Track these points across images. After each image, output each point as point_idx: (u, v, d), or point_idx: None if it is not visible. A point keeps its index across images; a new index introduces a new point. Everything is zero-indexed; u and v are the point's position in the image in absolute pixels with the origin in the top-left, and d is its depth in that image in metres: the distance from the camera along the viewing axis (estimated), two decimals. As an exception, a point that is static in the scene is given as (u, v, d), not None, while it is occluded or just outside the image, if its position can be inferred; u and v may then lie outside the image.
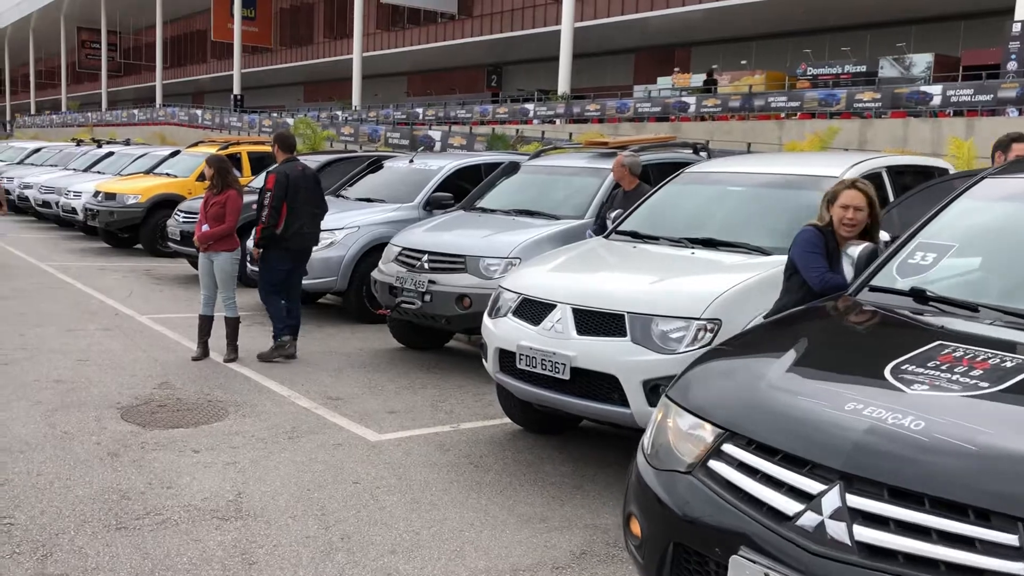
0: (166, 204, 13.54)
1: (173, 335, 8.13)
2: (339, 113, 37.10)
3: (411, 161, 10.63)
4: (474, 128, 28.30)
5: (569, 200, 7.87)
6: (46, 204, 17.61)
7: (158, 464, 4.74)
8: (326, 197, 10.58)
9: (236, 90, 50.22)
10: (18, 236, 16.47)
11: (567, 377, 4.57)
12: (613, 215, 6.25)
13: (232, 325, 7.30)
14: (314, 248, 9.03)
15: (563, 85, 33.01)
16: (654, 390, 4.37)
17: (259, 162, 15.29)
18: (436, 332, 8.06)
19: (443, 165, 10.25)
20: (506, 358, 5.00)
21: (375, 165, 11.09)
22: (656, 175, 8.40)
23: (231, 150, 14.78)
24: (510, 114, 30.09)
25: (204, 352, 7.26)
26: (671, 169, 8.66)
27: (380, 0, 43.53)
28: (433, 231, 7.88)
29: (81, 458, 4.76)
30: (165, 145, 29.91)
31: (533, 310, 4.90)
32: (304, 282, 9.03)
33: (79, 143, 24.38)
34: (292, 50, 56.63)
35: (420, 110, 33.33)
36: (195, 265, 12.09)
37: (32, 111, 78.27)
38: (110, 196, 14.14)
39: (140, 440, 5.11)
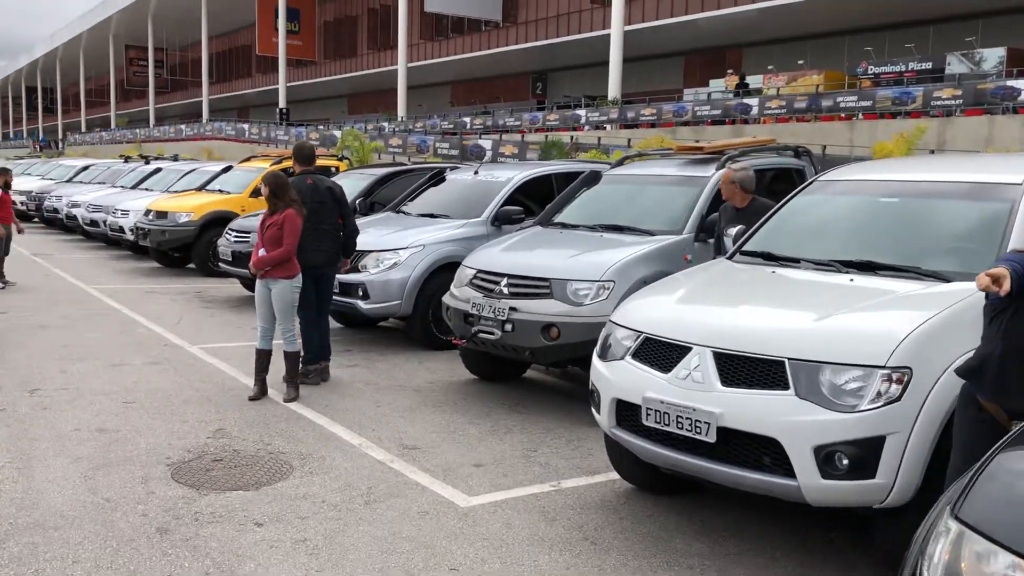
0: (219, 222, 12.95)
1: (227, 369, 7.41)
2: (385, 124, 36.62)
3: (476, 172, 9.85)
4: (507, 137, 27.51)
5: (663, 213, 6.99)
6: (94, 223, 17.18)
7: (215, 543, 3.96)
8: (387, 213, 9.94)
9: (282, 103, 50.19)
10: (66, 256, 16.04)
11: (712, 439, 3.69)
12: (733, 232, 5.37)
13: (292, 360, 6.56)
14: (376, 269, 8.39)
15: (613, 90, 32.13)
16: (828, 459, 3.48)
17: (311, 176, 14.69)
18: (514, 362, 7.23)
19: (511, 176, 9.45)
20: (626, 411, 4.14)
21: (437, 178, 10.33)
22: (759, 183, 7.53)
23: (284, 164, 14.15)
24: (561, 121, 29.26)
25: (262, 391, 6.52)
26: (776, 175, 7.80)
27: (424, 9, 43.07)
28: (511, 251, 7.06)
29: (126, 536, 4.01)
30: (212, 160, 29.67)
31: (660, 352, 4.03)
32: (365, 306, 8.37)
33: (127, 159, 24.10)
34: (336, 62, 56.58)
35: (468, 119, 32.66)
36: (247, 287, 11.47)
37: (83, 128, 79.49)
38: (161, 214, 13.59)
39: (193, 509, 4.35)
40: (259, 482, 4.77)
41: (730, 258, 5.03)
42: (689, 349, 3.89)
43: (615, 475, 4.92)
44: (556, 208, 7.81)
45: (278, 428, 5.76)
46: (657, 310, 4.33)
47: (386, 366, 7.79)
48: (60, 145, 72.45)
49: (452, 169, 10.85)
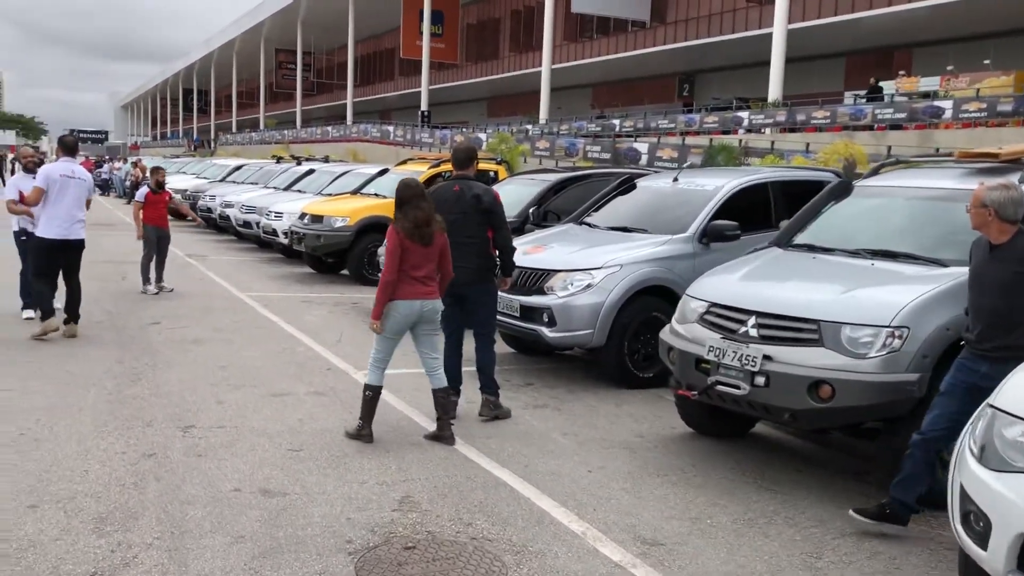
0: (376, 227, 12.16)
1: (399, 404, 6.35)
2: (529, 127, 35.65)
3: (675, 180, 8.49)
4: (664, 139, 25.73)
5: (958, 238, 5.41)
6: (247, 224, 16.83)
7: None
8: (568, 226, 8.69)
9: (423, 106, 50.18)
10: (219, 258, 15.69)
11: None
12: None
13: (363, 398, 5.56)
14: (564, 292, 7.17)
15: (774, 91, 30.04)
16: None
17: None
18: (740, 415, 5.82)
19: (720, 184, 8.05)
20: (1048, 555, 2.71)
21: (625, 185, 9.04)
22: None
23: (443, 167, 13.24)
24: (720, 124, 27.41)
25: (438, 435, 5.50)
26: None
27: (571, 10, 41.93)
28: (754, 280, 5.66)
29: None
30: (357, 162, 29.47)
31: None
32: (551, 335, 7.18)
33: (279, 160, 24.00)
34: (477, 65, 56.28)
35: (616, 121, 31.22)
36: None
37: (233, 129, 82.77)
38: (317, 218, 12.89)
39: (393, 638, 3.20)
40: (469, 590, 3.59)
41: None
42: None
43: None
44: (798, 226, 6.34)
45: (476, 499, 4.59)
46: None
47: (580, 409, 6.55)
48: (212, 145, 75.59)
49: (640, 176, 9.55)
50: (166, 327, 8.92)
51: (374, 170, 15.44)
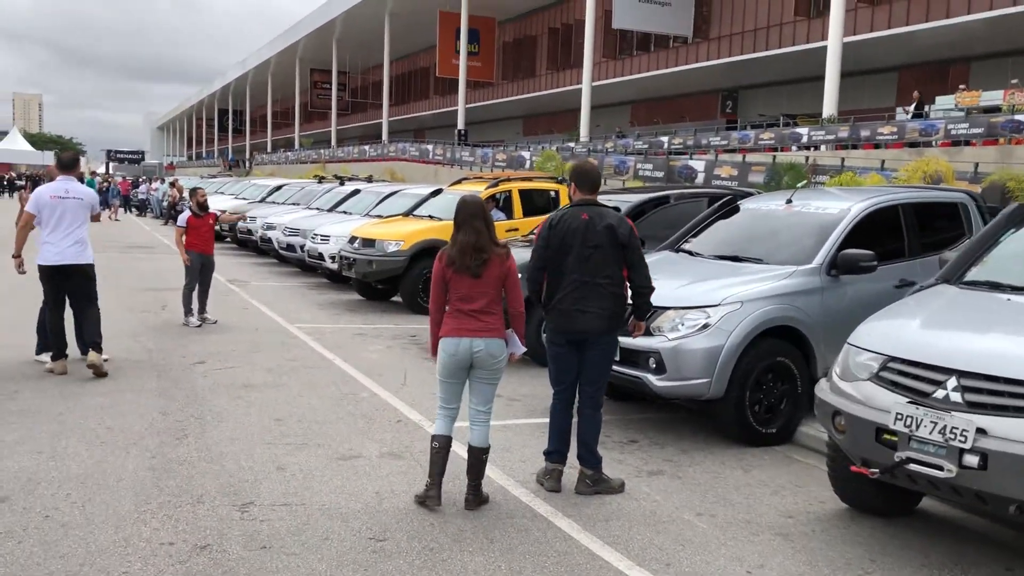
0: (431, 252, 11.16)
1: (490, 470, 5.30)
2: (572, 145, 34.69)
3: (789, 201, 7.44)
4: (718, 156, 24.58)
5: None
6: (290, 247, 15.98)
7: None
8: (665, 254, 7.64)
9: (460, 125, 49.49)
10: (261, 284, 14.82)
11: None
12: None
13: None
14: (675, 334, 6.13)
15: (829, 107, 28.89)
16: None
17: (532, 203, 12.78)
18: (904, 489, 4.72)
19: (846, 207, 7.00)
20: None
21: (727, 208, 8.00)
22: None
23: (501, 187, 12.31)
24: (777, 140, 26.24)
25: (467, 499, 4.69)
26: None
27: (612, 26, 41.07)
28: (940, 328, 4.58)
29: None
30: (395, 181, 28.66)
31: None
32: (659, 383, 6.14)
33: (321, 180, 23.22)
34: (514, 83, 55.60)
35: (665, 139, 30.15)
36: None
37: (268, 149, 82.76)
38: (368, 242, 11.97)
39: None
40: None
41: None
42: None
43: None
44: (969, 258, 5.26)
45: (621, 619, 3.55)
46: None
47: (702, 476, 5.50)
48: (247, 164, 75.53)
49: (741, 197, 8.50)
50: (212, 367, 8.00)
51: (426, 190, 14.51)
